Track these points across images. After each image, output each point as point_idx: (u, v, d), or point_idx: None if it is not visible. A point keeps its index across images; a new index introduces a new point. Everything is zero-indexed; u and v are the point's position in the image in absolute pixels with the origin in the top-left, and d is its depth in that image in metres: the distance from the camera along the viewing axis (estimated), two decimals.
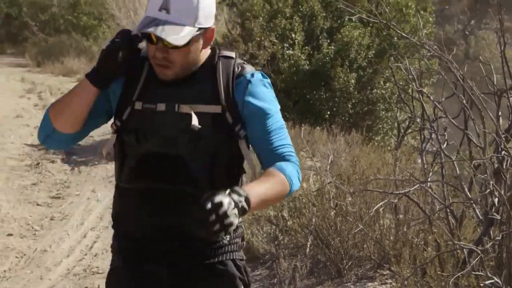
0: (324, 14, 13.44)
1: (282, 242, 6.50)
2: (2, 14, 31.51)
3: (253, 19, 12.61)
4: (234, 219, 2.29)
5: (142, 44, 2.70)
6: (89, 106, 2.69)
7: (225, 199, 2.30)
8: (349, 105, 12.50)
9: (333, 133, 10.29)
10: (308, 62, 12.66)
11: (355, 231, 5.74)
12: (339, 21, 13.54)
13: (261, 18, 12.72)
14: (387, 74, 12.26)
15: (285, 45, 12.56)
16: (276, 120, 2.74)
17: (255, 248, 6.48)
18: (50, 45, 25.68)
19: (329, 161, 7.74)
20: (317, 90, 12.41)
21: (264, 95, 2.74)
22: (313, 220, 6.24)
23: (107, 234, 7.54)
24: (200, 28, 2.59)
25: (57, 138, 2.75)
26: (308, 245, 6.24)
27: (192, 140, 2.67)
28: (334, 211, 6.09)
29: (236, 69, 2.72)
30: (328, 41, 13.07)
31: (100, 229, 7.74)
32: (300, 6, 13.32)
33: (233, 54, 2.77)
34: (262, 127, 2.73)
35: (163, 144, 2.68)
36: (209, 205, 2.27)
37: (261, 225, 6.77)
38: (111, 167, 10.53)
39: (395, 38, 12.75)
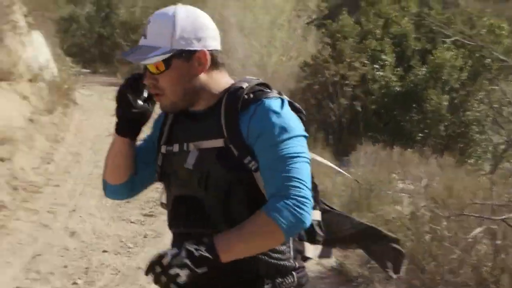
0: (416, 36, 13.34)
1: (375, 265, 6.42)
2: (95, 34, 32.32)
3: (343, 40, 12.58)
4: (182, 270, 2.25)
5: None
6: (127, 157, 2.63)
7: (170, 251, 2.28)
8: (441, 127, 12.32)
9: (425, 155, 10.14)
10: (399, 84, 12.55)
11: (452, 257, 5.62)
12: (431, 43, 13.40)
13: (351, 39, 12.69)
14: (480, 96, 12.05)
15: (375, 66, 12.48)
16: (286, 147, 2.42)
17: (347, 271, 6.43)
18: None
19: (423, 184, 7.62)
20: (408, 111, 12.28)
21: (272, 119, 2.45)
22: (408, 244, 6.15)
23: None
24: (181, 50, 2.46)
25: (112, 190, 2.71)
26: (403, 269, 6.15)
27: (202, 179, 2.51)
28: (429, 235, 5.99)
29: (244, 97, 2.49)
30: (420, 62, 12.95)
31: None
32: (390, 28, 13.25)
33: (245, 84, 2.52)
34: (267, 155, 2.45)
35: (181, 186, 2.57)
36: (152, 257, 2.28)
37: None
38: None
39: (488, 59, 12.55)
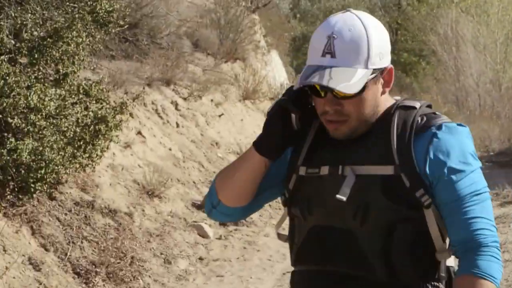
0: None
1: None
2: None
3: None
4: None
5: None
6: (256, 179, 2.27)
7: None
8: None
9: None
10: None
11: None
12: None
13: None
14: None
15: None
16: (470, 182, 2.10)
17: None
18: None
19: None
20: None
21: (453, 149, 2.13)
22: None
23: None
24: (375, 69, 2.11)
25: (224, 211, 2.35)
26: None
27: (359, 211, 2.14)
28: None
29: (418, 120, 2.17)
30: None
31: None
32: None
33: (417, 104, 2.20)
34: (448, 191, 2.11)
35: (327, 215, 2.18)
36: None
37: None
38: None
39: None
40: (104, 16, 6.94)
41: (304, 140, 2.26)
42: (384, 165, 2.15)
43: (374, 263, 2.15)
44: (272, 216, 9.21)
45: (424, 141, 2.15)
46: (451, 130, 2.16)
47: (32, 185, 5.95)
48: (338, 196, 2.10)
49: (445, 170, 2.14)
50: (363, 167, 2.16)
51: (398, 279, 2.15)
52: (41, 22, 6.51)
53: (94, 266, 6.06)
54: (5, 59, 5.98)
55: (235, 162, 2.31)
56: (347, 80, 2.03)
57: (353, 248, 2.16)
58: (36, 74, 6.33)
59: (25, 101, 5.83)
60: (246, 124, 11.98)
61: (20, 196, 6.05)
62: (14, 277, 5.59)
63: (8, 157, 5.69)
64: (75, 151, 6.30)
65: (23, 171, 5.86)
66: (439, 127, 2.16)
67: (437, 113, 2.21)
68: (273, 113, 2.18)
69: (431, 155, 2.15)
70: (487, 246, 2.08)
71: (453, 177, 2.13)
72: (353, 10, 2.17)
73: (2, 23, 6.26)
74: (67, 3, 6.80)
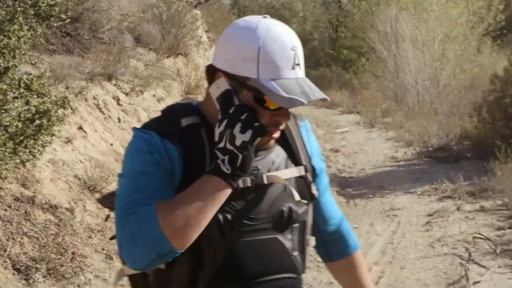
0: None
1: None
2: None
3: None
4: None
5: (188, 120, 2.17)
6: None
7: None
8: None
9: None
10: None
11: None
12: None
13: None
14: None
15: None
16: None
17: None
18: (311, 78, 26.22)
19: None
20: None
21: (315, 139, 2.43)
22: None
23: (392, 269, 7.48)
24: None
25: (165, 260, 2.02)
26: None
27: (283, 217, 2.22)
28: None
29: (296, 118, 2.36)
30: None
31: (384, 264, 7.67)
32: None
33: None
34: (323, 178, 2.45)
35: (252, 228, 2.17)
36: None
37: None
38: (386, 200, 10.51)
39: None
40: (46, 9, 6.86)
41: (200, 151, 2.14)
42: (294, 167, 2.26)
43: (299, 262, 2.28)
44: None
45: (305, 135, 2.35)
46: (307, 123, 2.41)
47: None
48: (263, 203, 2.16)
49: (321, 160, 2.40)
50: (279, 172, 2.21)
51: (304, 272, 2.33)
52: None
53: (34, 262, 5.98)
54: None
55: (200, 206, 1.99)
56: (318, 91, 2.08)
57: (282, 253, 2.22)
58: None
59: None
60: None
61: None
62: None
63: None
64: (16, 146, 6.21)
65: None
66: (303, 120, 2.38)
67: None
68: (250, 143, 2.02)
69: (313, 148, 2.37)
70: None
71: (323, 164, 2.42)
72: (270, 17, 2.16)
73: None
74: None
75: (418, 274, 7.28)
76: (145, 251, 1.95)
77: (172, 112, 2.21)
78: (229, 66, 2.09)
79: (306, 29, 30.27)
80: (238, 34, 2.10)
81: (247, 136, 2.00)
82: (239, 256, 2.15)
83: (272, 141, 2.21)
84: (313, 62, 29.09)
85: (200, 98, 2.40)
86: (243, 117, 2.02)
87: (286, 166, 2.25)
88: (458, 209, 9.59)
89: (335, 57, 28.19)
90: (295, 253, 2.26)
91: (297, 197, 2.22)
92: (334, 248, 2.54)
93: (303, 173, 2.28)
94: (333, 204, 2.55)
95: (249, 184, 2.14)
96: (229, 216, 2.10)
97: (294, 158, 2.28)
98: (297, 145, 2.31)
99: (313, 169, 2.37)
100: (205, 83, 11.95)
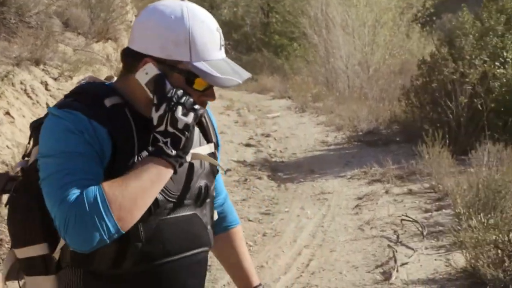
0: None
1: (509, 267, 6.22)
2: None
3: (463, 37, 12.29)
4: None
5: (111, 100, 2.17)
6: None
7: None
8: None
9: None
10: None
11: None
12: None
13: (471, 36, 12.39)
14: None
15: (496, 63, 12.14)
16: None
17: (481, 273, 6.24)
18: (243, 63, 26.35)
19: None
20: None
21: None
22: None
23: (322, 252, 7.56)
24: None
25: (111, 240, 2.00)
26: None
27: (202, 193, 2.33)
28: None
29: None
30: None
31: (315, 247, 7.75)
32: None
33: None
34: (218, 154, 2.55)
35: (175, 206, 2.24)
36: None
37: (485, 249, 6.52)
38: (317, 184, 10.59)
39: None
40: None
41: (128, 130, 2.15)
42: (207, 144, 2.37)
43: (211, 236, 2.39)
44: None
45: (210, 114, 2.47)
46: None
47: None
48: (194, 179, 2.27)
49: (218, 134, 2.50)
50: (198, 150, 2.29)
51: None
52: None
53: None
54: None
55: (145, 187, 2.01)
56: (243, 70, 2.18)
57: (201, 229, 2.32)
58: None
59: None
60: None
61: None
62: None
63: None
64: None
65: None
66: None
67: None
68: (193, 126, 2.08)
69: (215, 125, 2.48)
70: None
71: (219, 139, 2.53)
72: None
73: None
74: None
75: (347, 256, 7.38)
76: (93, 234, 1.93)
77: (90, 92, 2.18)
78: (158, 51, 2.10)
79: (238, 14, 30.25)
80: (164, 19, 2.11)
81: (189, 118, 2.05)
82: (164, 233, 2.18)
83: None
84: (244, 48, 29.14)
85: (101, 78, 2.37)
86: (182, 100, 2.06)
87: (200, 143, 2.34)
88: (386, 192, 9.74)
89: (266, 42, 28.27)
90: (209, 227, 2.37)
91: (222, 169, 2.44)
92: (217, 224, 2.59)
93: (213, 149, 2.40)
94: (221, 180, 2.65)
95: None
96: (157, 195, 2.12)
97: (205, 135, 2.39)
98: (207, 122, 2.41)
99: (217, 145, 2.47)
100: None
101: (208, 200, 2.36)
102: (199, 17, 2.13)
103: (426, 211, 8.72)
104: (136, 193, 1.98)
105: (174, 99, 2.06)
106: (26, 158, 2.29)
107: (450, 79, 11.64)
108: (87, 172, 2.00)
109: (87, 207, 1.92)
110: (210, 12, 2.28)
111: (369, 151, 12.66)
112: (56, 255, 2.21)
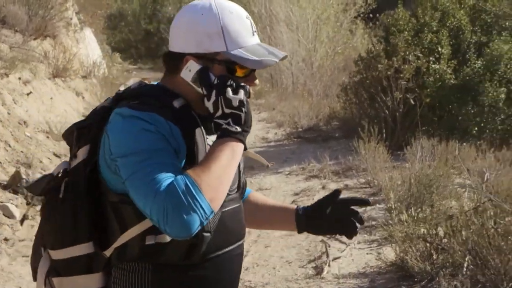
0: (472, 28, 13.17)
1: (436, 261, 6.34)
2: (142, 31, 32.57)
3: (398, 33, 12.45)
4: None
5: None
6: None
7: None
8: (498, 121, 12.15)
9: (482, 149, 10.00)
10: (454, 77, 12.41)
11: None
12: (487, 36, 13.24)
13: (406, 32, 12.56)
14: None
15: (431, 59, 12.33)
16: None
17: (408, 266, 6.35)
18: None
19: (486, 179, 7.51)
20: (464, 105, 12.13)
21: None
22: (471, 238, 6.06)
23: (256, 248, 7.61)
24: None
25: (206, 222, 2.10)
26: (466, 265, 6.06)
27: (242, 186, 2.49)
28: (493, 230, 5.89)
29: None
30: (476, 55, 12.81)
31: (250, 243, 7.78)
32: (447, 20, 13.12)
33: None
34: None
35: (229, 198, 2.32)
36: None
37: (414, 243, 6.64)
38: (255, 180, 10.61)
39: None
40: None
41: (195, 129, 2.24)
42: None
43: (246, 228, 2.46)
44: None
45: None
46: None
47: None
48: (242, 175, 2.43)
49: None
50: None
51: None
52: None
53: None
54: None
55: (225, 165, 2.11)
56: (279, 50, 2.27)
57: (243, 220, 2.43)
58: None
59: None
60: (56, 103, 11.74)
61: None
62: None
63: None
64: None
65: None
66: None
67: None
68: (246, 101, 2.18)
69: None
70: None
71: None
72: None
73: None
74: None
75: (281, 251, 7.44)
76: (193, 217, 2.00)
77: (155, 95, 2.26)
78: (195, 47, 2.22)
79: None
80: (195, 15, 2.23)
81: (241, 95, 2.15)
82: (225, 224, 2.29)
83: None
84: None
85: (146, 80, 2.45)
86: (228, 82, 2.16)
87: None
88: (323, 187, 9.83)
89: None
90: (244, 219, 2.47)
91: (265, 162, 2.54)
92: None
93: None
94: None
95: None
96: None
97: None
98: None
99: None
100: (74, 65, 11.67)
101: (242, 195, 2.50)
102: (227, 8, 2.23)
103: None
104: (219, 172, 2.07)
105: (221, 84, 2.16)
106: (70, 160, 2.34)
107: (385, 75, 11.79)
108: (170, 165, 2.08)
109: (181, 194, 1.99)
110: (155, 9, 2.36)
111: (308, 147, 12.76)
112: (108, 253, 2.27)
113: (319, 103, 16.48)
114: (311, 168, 10.86)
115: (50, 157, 9.52)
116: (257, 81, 2.30)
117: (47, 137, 10.13)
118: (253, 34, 2.25)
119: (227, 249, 2.33)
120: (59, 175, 2.33)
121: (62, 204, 2.27)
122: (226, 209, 2.29)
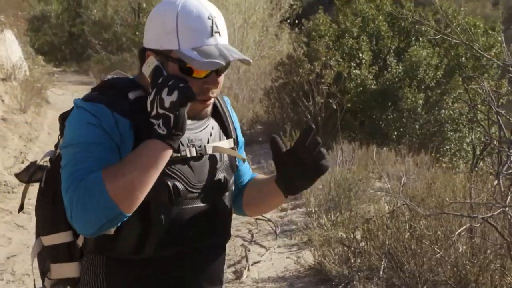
0: (391, 34, 13.39)
1: (354, 264, 6.42)
2: (66, 33, 32.12)
3: (318, 38, 12.57)
4: None
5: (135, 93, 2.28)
6: None
7: None
8: (417, 126, 12.38)
9: (401, 154, 10.17)
10: (375, 82, 12.60)
11: (436, 256, 5.60)
12: (406, 41, 13.50)
13: (327, 37, 12.69)
14: (456, 94, 12.16)
15: (352, 64, 12.50)
16: None
17: (326, 270, 6.41)
18: (113, 62, 26.04)
19: (402, 183, 7.63)
20: (384, 110, 12.33)
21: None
22: (387, 242, 6.15)
23: None
24: None
25: (115, 224, 2.10)
26: (382, 268, 6.15)
27: (221, 186, 2.42)
28: (409, 233, 5.99)
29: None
30: (396, 60, 13.03)
31: None
32: (367, 26, 13.31)
33: None
34: (243, 151, 2.66)
35: (197, 196, 2.32)
36: None
37: (332, 246, 6.71)
38: None
39: (463, 58, 12.64)
40: None
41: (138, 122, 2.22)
42: (227, 140, 2.44)
43: (229, 228, 2.48)
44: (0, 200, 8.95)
45: (230, 112, 2.54)
46: (227, 100, 2.59)
47: None
48: (218, 170, 2.37)
49: (241, 135, 2.59)
50: (219, 144, 2.40)
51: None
52: None
53: None
54: None
55: (142, 168, 2.07)
56: (239, 53, 2.21)
57: (218, 220, 2.39)
58: None
59: None
60: None
61: None
62: None
63: None
64: None
65: None
66: (225, 98, 2.55)
67: None
68: (179, 103, 2.10)
69: (235, 123, 2.55)
70: None
71: (242, 139, 2.60)
72: None
73: None
74: None
75: None
76: (95, 216, 2.01)
77: (115, 85, 2.28)
78: (155, 43, 2.22)
79: (107, 14, 29.94)
80: (159, 11, 2.24)
81: (174, 96, 2.10)
82: (184, 220, 2.28)
83: (208, 110, 2.32)
84: (115, 47, 28.81)
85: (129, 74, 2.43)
86: (170, 83, 2.12)
87: (220, 138, 2.43)
88: None
89: (137, 42, 28.01)
90: (227, 220, 2.46)
91: (242, 157, 2.51)
92: (243, 188, 2.66)
93: (232, 145, 2.47)
94: (247, 165, 2.69)
95: (194, 154, 2.30)
96: (178, 184, 2.24)
97: (225, 130, 2.47)
98: (228, 118, 2.50)
99: (237, 142, 2.54)
100: None
101: (227, 194, 2.44)
102: (189, 6, 2.20)
103: (282, 210, 8.87)
104: (133, 175, 2.04)
105: (162, 84, 2.13)
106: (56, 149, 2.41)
107: (307, 80, 11.90)
108: (98, 160, 2.08)
109: (88, 192, 2.00)
110: (79, 12, 2.33)
111: None
112: (80, 242, 2.33)
113: (244, 107, 16.50)
114: None
115: None
116: (219, 82, 2.26)
117: None
118: (212, 35, 2.19)
119: (189, 246, 2.32)
120: (44, 163, 2.41)
121: (44, 193, 2.36)
122: (185, 207, 2.28)
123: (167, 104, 2.10)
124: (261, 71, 21.20)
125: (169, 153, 2.12)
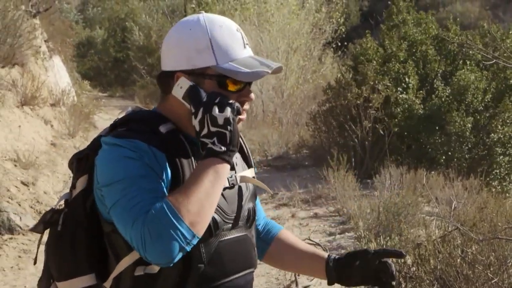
0: (438, 58, 13.32)
1: None
2: (111, 58, 32.55)
3: (366, 62, 12.56)
4: None
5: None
6: None
7: None
8: (465, 150, 12.27)
9: (450, 178, 10.09)
10: (422, 106, 12.53)
11: (491, 282, 5.53)
12: (453, 65, 13.42)
13: (374, 61, 12.67)
14: (506, 118, 12.05)
15: (399, 89, 12.46)
16: None
17: None
18: (157, 88, 26.20)
19: (453, 207, 7.57)
20: (431, 134, 12.24)
21: None
22: (438, 267, 6.10)
23: None
24: None
25: (189, 248, 2.05)
26: None
27: (250, 215, 2.37)
28: (461, 258, 5.93)
29: None
30: (443, 84, 12.95)
31: None
32: (414, 50, 13.28)
33: None
34: None
35: (231, 227, 2.29)
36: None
37: None
38: None
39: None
40: None
41: (184, 155, 2.20)
42: (248, 169, 2.42)
43: (256, 257, 2.42)
44: None
45: (244, 141, 2.48)
46: None
47: None
48: (244, 201, 2.31)
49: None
50: (244, 173, 2.36)
51: None
52: None
53: None
54: None
55: (207, 188, 2.04)
56: (272, 62, 2.20)
57: (250, 250, 2.36)
58: None
59: None
60: (24, 131, 11.64)
61: None
62: None
63: None
64: None
65: None
66: None
67: None
68: (232, 119, 2.10)
69: (249, 151, 2.49)
70: None
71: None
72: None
73: None
74: None
75: None
76: (171, 244, 1.97)
77: (143, 120, 2.23)
78: (185, 64, 2.18)
79: (151, 39, 30.28)
80: (184, 31, 2.20)
81: (227, 112, 2.08)
82: (223, 254, 2.23)
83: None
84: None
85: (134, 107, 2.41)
86: (217, 100, 2.10)
87: (243, 168, 2.40)
88: (293, 216, 9.84)
89: None
90: (255, 249, 2.41)
91: (268, 190, 2.52)
92: (267, 237, 2.64)
93: (254, 174, 2.45)
94: (259, 204, 2.66)
95: (227, 184, 2.24)
96: (215, 216, 2.18)
97: (246, 160, 2.45)
98: (247, 147, 2.48)
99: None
100: (42, 93, 11.60)
101: (255, 223, 2.43)
102: (216, 22, 2.20)
103: (330, 234, 8.85)
104: (200, 196, 2.02)
105: (208, 102, 2.10)
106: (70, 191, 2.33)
107: (354, 104, 11.89)
108: (151, 191, 2.05)
109: (158, 220, 1.96)
110: (124, 37, 2.32)
111: (277, 176, 12.77)
112: (107, 284, 2.26)
113: (289, 131, 16.52)
114: (280, 197, 10.88)
115: (18, 185, 9.42)
116: (252, 95, 2.24)
117: (15, 165, 10.03)
118: (245, 47, 2.20)
119: (227, 279, 2.27)
120: (60, 207, 2.34)
121: (61, 237, 2.26)
122: (223, 239, 2.24)
123: (220, 122, 2.08)
124: (304, 95, 21.21)
125: (227, 169, 2.10)
